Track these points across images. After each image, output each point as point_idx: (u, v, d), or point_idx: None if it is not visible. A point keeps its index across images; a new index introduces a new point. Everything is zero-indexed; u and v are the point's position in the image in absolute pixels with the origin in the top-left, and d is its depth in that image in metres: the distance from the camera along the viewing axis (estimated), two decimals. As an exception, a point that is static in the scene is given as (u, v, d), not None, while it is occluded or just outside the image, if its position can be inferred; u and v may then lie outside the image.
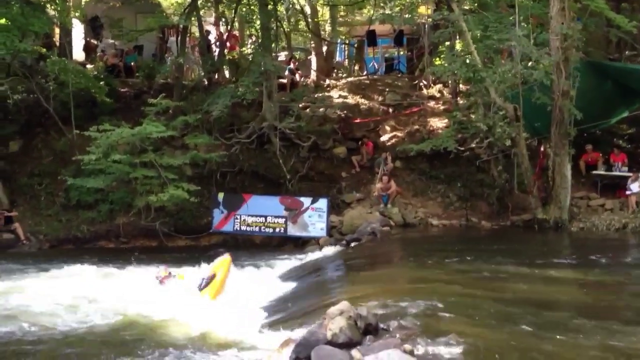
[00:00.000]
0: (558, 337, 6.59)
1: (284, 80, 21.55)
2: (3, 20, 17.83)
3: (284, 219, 17.56)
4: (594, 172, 17.60)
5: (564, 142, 15.85)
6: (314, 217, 17.36)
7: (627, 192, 16.47)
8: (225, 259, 12.29)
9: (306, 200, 17.57)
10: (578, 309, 7.87)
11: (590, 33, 17.93)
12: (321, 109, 20.20)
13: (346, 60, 29.60)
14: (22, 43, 17.65)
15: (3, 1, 18.08)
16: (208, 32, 23.32)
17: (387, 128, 20.37)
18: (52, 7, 19.98)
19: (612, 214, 16.20)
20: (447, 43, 19.19)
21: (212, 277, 11.48)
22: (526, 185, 16.41)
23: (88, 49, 24.17)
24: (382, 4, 24.78)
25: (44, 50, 20.15)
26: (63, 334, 9.05)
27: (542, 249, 13.01)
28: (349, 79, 23.95)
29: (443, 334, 6.48)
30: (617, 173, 17.28)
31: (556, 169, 15.94)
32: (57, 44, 22.24)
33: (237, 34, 25.11)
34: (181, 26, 21.51)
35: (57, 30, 22.33)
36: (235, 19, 23.47)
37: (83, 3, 25.22)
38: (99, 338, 8.84)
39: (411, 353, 5.96)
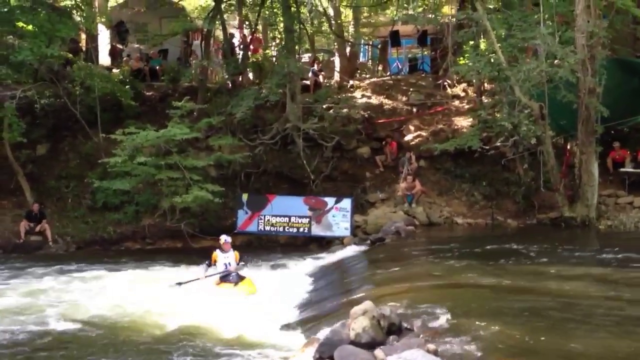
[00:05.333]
0: (585, 336, 6.51)
1: (308, 82, 21.57)
2: (30, 27, 18.11)
3: (308, 219, 17.60)
4: (622, 169, 17.36)
5: (590, 140, 15.65)
6: (338, 217, 17.37)
7: (656, 190, 16.22)
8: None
9: (330, 200, 17.59)
10: (606, 307, 7.75)
11: (617, 30, 17.68)
12: (345, 110, 20.16)
13: (370, 61, 29.58)
14: (49, 49, 17.88)
15: (30, 8, 18.38)
16: (232, 35, 23.45)
17: (411, 128, 20.30)
18: (78, 13, 20.25)
19: (641, 211, 16.00)
20: (471, 42, 19.03)
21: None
22: (552, 184, 16.23)
23: (114, 53, 24.46)
24: (405, 5, 24.71)
25: (71, 55, 20.40)
26: (89, 333, 9.18)
27: (569, 247, 12.85)
28: (373, 80, 23.91)
29: (468, 333, 6.44)
30: (646, 170, 17.03)
31: (583, 166, 15.75)
32: (84, 49, 22.54)
33: (261, 37, 25.22)
34: (205, 30, 21.65)
35: (83, 36, 22.63)
36: (259, 22, 23.56)
37: (108, 8, 25.56)
38: (121, 337, 8.94)
39: (435, 353, 5.93)
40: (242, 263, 12.70)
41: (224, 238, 12.66)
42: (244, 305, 10.59)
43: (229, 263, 12.37)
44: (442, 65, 21.80)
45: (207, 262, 12.56)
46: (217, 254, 12.46)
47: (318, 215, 17.53)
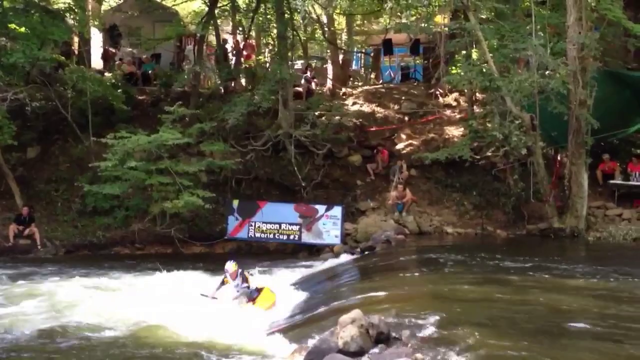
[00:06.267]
0: (575, 348, 6.53)
1: (300, 89, 21.59)
2: (23, 29, 18.06)
3: (298, 226, 17.59)
4: (611, 181, 17.43)
5: (580, 151, 15.74)
6: (329, 225, 17.37)
7: (645, 202, 16.30)
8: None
9: (321, 208, 17.59)
10: (595, 319, 7.77)
11: (608, 42, 17.80)
12: (337, 117, 20.21)
13: (362, 68, 29.65)
14: (41, 51, 17.85)
15: (23, 10, 18.34)
16: (225, 41, 23.46)
17: (403, 136, 20.35)
18: (71, 16, 20.20)
19: (630, 223, 16.06)
20: (464, 52, 19.12)
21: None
22: (542, 194, 16.32)
23: (106, 57, 24.39)
24: (398, 14, 24.78)
25: (63, 58, 20.35)
26: (69, 339, 9.12)
27: (558, 258, 12.90)
28: (365, 88, 23.97)
29: (456, 343, 6.45)
30: (635, 183, 17.10)
31: (573, 178, 15.83)
32: (76, 52, 22.47)
33: (254, 43, 25.22)
34: (198, 35, 21.64)
35: (75, 39, 22.57)
36: (252, 28, 23.58)
37: (102, 12, 25.52)
38: (105, 344, 8.86)
39: (423, 362, 5.93)
40: (244, 272, 12.06)
41: (227, 268, 11.60)
42: (232, 312, 10.55)
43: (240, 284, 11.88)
44: (434, 74, 21.88)
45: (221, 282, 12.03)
46: (228, 280, 11.67)
47: (308, 223, 17.51)
